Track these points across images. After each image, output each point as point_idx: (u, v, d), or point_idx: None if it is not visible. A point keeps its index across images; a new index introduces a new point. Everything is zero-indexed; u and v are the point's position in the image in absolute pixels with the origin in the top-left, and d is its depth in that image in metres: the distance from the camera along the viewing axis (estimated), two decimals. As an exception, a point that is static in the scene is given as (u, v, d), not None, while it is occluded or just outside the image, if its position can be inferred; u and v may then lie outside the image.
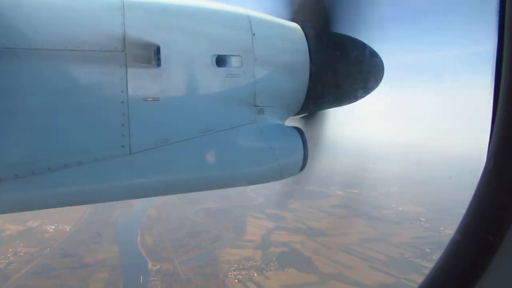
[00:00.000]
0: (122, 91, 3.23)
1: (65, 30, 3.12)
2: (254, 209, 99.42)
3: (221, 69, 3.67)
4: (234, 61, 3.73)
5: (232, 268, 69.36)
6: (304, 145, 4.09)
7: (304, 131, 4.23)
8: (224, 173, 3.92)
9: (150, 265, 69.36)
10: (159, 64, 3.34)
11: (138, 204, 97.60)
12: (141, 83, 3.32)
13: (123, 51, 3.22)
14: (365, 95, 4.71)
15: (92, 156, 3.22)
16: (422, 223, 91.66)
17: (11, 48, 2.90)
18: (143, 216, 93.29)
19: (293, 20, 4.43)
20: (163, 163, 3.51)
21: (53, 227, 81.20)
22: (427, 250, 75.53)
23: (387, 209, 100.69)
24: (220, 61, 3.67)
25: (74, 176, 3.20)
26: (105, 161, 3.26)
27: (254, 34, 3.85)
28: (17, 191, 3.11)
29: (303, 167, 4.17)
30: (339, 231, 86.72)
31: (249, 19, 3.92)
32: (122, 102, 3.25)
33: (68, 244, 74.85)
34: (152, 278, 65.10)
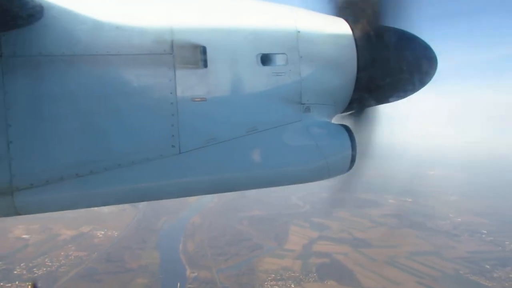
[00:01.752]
0: (171, 93, 3.34)
1: (116, 35, 3.23)
2: (299, 217, 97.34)
3: (266, 67, 3.68)
4: (279, 59, 3.74)
5: (269, 278, 68.09)
6: (352, 142, 4.01)
7: (352, 129, 4.15)
8: (271, 171, 3.91)
9: (188, 272, 70.66)
10: (205, 65, 3.43)
11: (184, 211, 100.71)
12: (188, 84, 3.41)
13: (171, 54, 3.33)
14: (416, 91, 4.56)
15: (144, 156, 3.35)
16: (484, 236, 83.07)
17: (68, 55, 3.08)
18: (188, 223, 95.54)
19: (339, 15, 4.32)
20: (211, 162, 3.58)
21: (103, 232, 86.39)
22: (487, 266, 67.90)
23: (444, 220, 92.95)
24: (265, 59, 3.68)
25: (127, 175, 3.34)
26: (156, 160, 3.38)
27: (298, 32, 3.83)
28: (78, 189, 3.28)
29: (351, 165, 4.09)
30: (387, 243, 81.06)
31: (293, 17, 3.92)
32: (171, 103, 3.35)
33: (115, 249, 78.91)
34: (189, 286, 66.23)
